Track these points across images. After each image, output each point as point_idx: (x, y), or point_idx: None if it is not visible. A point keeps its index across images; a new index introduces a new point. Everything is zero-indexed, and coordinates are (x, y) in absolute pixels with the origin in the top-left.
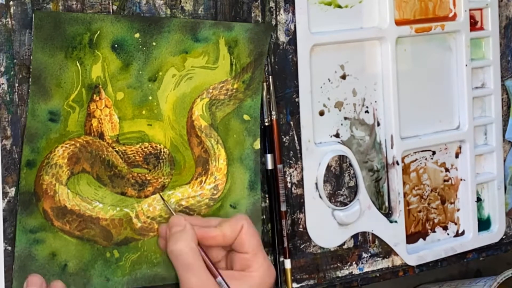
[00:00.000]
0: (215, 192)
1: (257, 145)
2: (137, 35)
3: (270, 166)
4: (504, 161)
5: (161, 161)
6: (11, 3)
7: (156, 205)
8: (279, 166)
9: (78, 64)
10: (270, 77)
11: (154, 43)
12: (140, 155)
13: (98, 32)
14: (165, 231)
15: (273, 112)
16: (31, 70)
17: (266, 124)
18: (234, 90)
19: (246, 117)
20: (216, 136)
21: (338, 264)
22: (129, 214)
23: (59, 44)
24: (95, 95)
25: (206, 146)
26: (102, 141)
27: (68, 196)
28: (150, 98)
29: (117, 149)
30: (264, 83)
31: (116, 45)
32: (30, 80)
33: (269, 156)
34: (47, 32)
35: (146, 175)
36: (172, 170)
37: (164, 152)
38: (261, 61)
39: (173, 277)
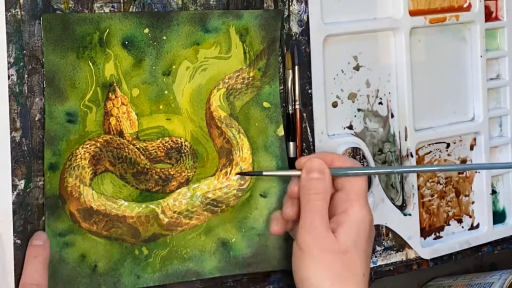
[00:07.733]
0: (242, 182)
1: (281, 131)
2: (146, 30)
3: (292, 154)
4: None
5: (183, 154)
6: None
7: (182, 199)
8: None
9: (90, 63)
10: (296, 66)
11: (164, 37)
12: (162, 150)
13: (107, 30)
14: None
15: (297, 102)
16: (44, 72)
17: (290, 112)
18: (250, 78)
19: (266, 104)
20: (237, 125)
21: None
22: (155, 210)
23: (70, 45)
24: (110, 94)
25: (227, 136)
26: (122, 139)
27: (93, 196)
28: (166, 92)
29: (138, 146)
30: (290, 71)
31: (126, 42)
32: (44, 82)
33: (291, 144)
34: (57, 34)
35: (169, 170)
36: (195, 163)
37: (185, 145)
38: (275, 47)
39: (206, 272)
